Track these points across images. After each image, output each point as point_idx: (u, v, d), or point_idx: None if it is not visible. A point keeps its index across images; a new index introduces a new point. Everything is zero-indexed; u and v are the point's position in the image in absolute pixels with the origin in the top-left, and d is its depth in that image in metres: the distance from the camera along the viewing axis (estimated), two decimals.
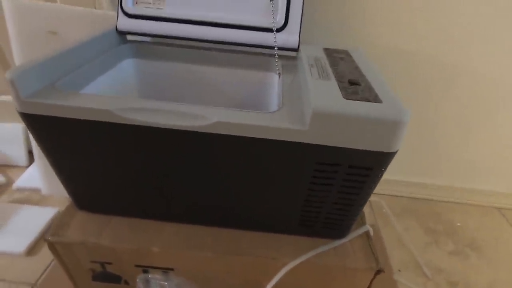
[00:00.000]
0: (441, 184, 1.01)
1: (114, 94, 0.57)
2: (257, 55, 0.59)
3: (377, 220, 0.96)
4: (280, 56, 0.57)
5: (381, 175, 0.41)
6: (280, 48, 0.56)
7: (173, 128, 0.37)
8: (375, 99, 0.37)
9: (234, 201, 0.47)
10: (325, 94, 0.37)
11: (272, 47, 0.56)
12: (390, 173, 1.02)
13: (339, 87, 0.39)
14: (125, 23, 0.57)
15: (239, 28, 0.57)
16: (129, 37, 0.62)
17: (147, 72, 0.62)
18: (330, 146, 0.37)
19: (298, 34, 0.56)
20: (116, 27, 0.57)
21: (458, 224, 0.98)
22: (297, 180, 0.41)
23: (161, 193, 0.47)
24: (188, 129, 0.37)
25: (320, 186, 0.42)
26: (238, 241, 0.49)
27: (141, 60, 0.61)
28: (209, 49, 0.60)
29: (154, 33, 0.58)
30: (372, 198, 1.06)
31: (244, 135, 0.37)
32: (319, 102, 0.35)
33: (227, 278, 0.51)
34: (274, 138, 0.37)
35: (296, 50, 0.56)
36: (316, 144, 0.37)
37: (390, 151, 0.37)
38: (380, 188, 1.07)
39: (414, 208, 1.02)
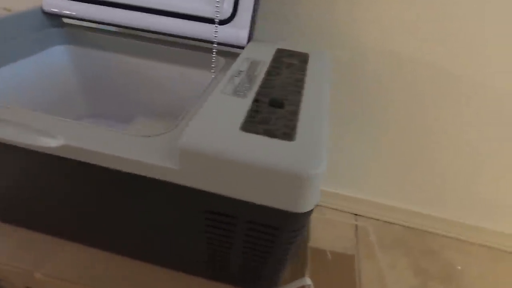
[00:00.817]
0: (442, 216, 0.86)
1: (39, 81, 0.50)
2: (203, 51, 0.49)
3: (359, 249, 0.83)
4: (226, 54, 0.46)
5: (299, 235, 0.30)
6: (222, 44, 0.45)
7: (16, 145, 0.28)
8: (287, 134, 0.26)
9: (132, 232, 0.38)
10: (217, 120, 0.27)
11: (219, 43, 0.45)
12: (382, 196, 0.89)
13: (249, 110, 0.28)
14: (51, 3, 0.49)
15: (181, 17, 0.46)
16: (66, 20, 0.54)
17: (82, 61, 0.54)
18: (215, 193, 0.26)
19: (249, 28, 0.44)
20: (42, 6, 0.49)
21: (458, 267, 0.82)
22: (188, 225, 0.32)
23: (54, 210, 0.39)
24: (32, 148, 0.28)
25: (219, 237, 0.31)
26: (138, 278, 0.41)
27: (76, 48, 0.53)
28: (151, 40, 0.51)
29: (85, 17, 0.49)
30: (359, 222, 0.95)
31: (100, 164, 0.27)
32: (194, 134, 0.25)
33: None
34: (141, 174, 0.27)
35: (242, 47, 0.45)
36: (196, 189, 0.26)
37: (297, 211, 0.25)
38: (369, 211, 0.94)
39: (406, 240, 0.88)
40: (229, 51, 0.46)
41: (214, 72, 0.42)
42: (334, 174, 0.86)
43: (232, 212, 0.27)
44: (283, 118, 0.28)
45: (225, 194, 0.26)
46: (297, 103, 0.30)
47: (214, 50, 0.43)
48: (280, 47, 0.44)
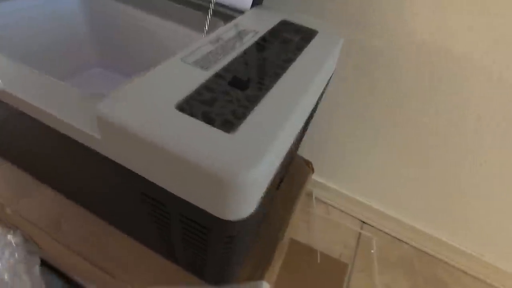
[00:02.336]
0: (461, 246, 0.75)
1: (46, 21, 0.49)
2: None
3: (356, 259, 0.77)
4: (226, 17, 0.40)
5: (236, 240, 0.26)
6: (222, 5, 0.39)
7: None
8: (228, 122, 0.21)
9: (91, 191, 0.37)
10: (154, 91, 0.22)
11: (221, 4, 0.40)
12: (396, 209, 0.79)
13: (200, 86, 0.23)
14: None
15: None
16: None
17: (95, 8, 0.52)
18: (139, 175, 0.23)
19: None
20: None
21: None
22: (130, 199, 0.29)
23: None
24: None
25: (158, 220, 0.28)
26: (101, 238, 0.40)
27: None
28: None
29: None
30: (364, 231, 0.87)
31: (34, 116, 0.25)
32: (115, 102, 0.21)
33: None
34: (75, 139, 0.24)
35: (242, 12, 0.39)
36: (121, 166, 0.23)
37: (224, 218, 0.21)
38: (378, 221, 0.85)
39: (413, 262, 0.79)
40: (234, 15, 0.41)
41: (205, 35, 0.38)
42: (348, 173, 0.78)
43: (162, 200, 0.24)
44: (236, 102, 0.23)
45: (149, 178, 0.22)
46: (267, 88, 0.25)
47: (210, 10, 0.37)
48: (287, 18, 0.37)
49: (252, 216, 0.23)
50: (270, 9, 0.39)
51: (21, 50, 0.47)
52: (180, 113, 0.21)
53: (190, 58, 0.26)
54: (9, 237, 0.45)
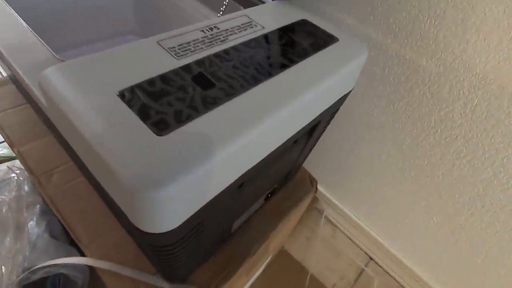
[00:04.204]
0: None
1: None
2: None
3: None
4: (249, 4, 0.37)
5: (175, 249, 0.23)
6: None
7: None
8: (163, 123, 0.18)
9: None
10: (105, 71, 0.20)
11: None
12: (408, 256, 0.70)
13: (158, 75, 0.21)
14: None
15: None
16: None
17: None
18: (76, 153, 0.21)
19: None
20: None
21: None
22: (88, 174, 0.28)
23: None
24: None
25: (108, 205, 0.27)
26: (83, 202, 0.41)
27: None
28: None
29: None
30: (368, 268, 0.78)
31: None
32: (59, 73, 0.19)
33: None
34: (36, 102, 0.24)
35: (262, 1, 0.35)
36: (62, 136, 0.22)
37: (140, 228, 0.19)
38: (387, 263, 0.76)
39: None
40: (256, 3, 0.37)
41: (221, 12, 0.35)
42: (366, 202, 0.71)
43: (95, 184, 0.23)
44: (188, 102, 0.20)
45: (81, 158, 0.21)
46: (237, 92, 0.21)
47: None
48: (309, 18, 0.32)
49: (179, 231, 0.20)
50: (297, 4, 0.35)
51: (65, 6, 0.50)
52: (118, 100, 0.19)
53: (168, 42, 0.24)
54: (14, 174, 0.49)
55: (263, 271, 0.66)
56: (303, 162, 0.46)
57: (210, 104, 0.20)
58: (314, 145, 0.42)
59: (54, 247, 0.56)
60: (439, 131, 0.49)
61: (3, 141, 0.72)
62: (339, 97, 0.32)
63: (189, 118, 0.19)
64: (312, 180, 0.50)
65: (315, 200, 0.81)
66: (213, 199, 0.22)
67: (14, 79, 0.38)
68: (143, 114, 0.18)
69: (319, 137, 0.40)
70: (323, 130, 0.39)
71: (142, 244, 0.24)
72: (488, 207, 0.50)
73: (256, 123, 0.20)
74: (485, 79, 0.41)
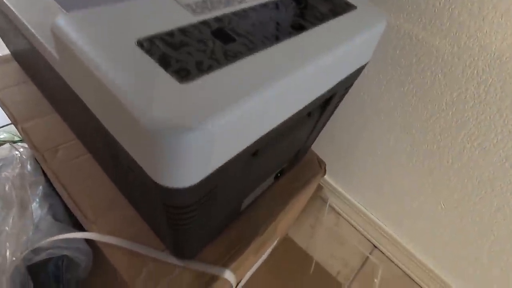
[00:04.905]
0: None
1: None
2: None
3: (354, 283, 0.69)
4: None
5: (190, 212, 0.22)
6: None
7: None
8: (185, 71, 0.17)
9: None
10: (124, 20, 0.19)
11: None
12: (414, 243, 0.69)
13: (177, 28, 0.20)
14: None
15: None
16: None
17: None
18: (90, 110, 0.20)
19: None
20: None
21: None
22: (98, 139, 0.27)
23: None
24: None
25: (118, 168, 0.27)
26: (90, 179, 0.40)
27: None
28: None
29: None
30: (373, 256, 0.77)
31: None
32: (77, 21, 0.18)
33: None
34: (45, 57, 0.23)
35: None
36: (74, 93, 0.21)
37: (160, 183, 0.18)
38: (393, 252, 0.75)
39: None
40: None
41: None
42: (371, 190, 0.70)
43: (110, 143, 0.22)
44: (209, 54, 0.19)
45: (95, 113, 0.20)
46: (257, 48, 0.21)
47: None
48: None
49: (195, 190, 0.19)
50: None
51: None
52: (137, 48, 0.18)
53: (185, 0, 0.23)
54: (18, 152, 0.48)
55: (268, 257, 0.65)
56: (312, 143, 0.45)
57: (231, 57, 0.19)
58: (325, 123, 0.41)
59: (58, 229, 0.55)
60: (450, 113, 0.49)
61: (3, 126, 0.71)
62: (355, 68, 0.31)
63: (211, 68, 0.18)
64: (321, 161, 0.50)
65: (319, 188, 0.81)
66: (229, 161, 0.21)
67: (19, 48, 0.37)
68: (164, 62, 0.18)
69: (331, 115, 0.40)
70: (336, 106, 0.38)
71: (155, 208, 0.24)
72: (498, 191, 0.49)
73: (278, 79, 0.20)
74: (501, 57, 0.40)
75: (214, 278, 0.34)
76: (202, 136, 0.16)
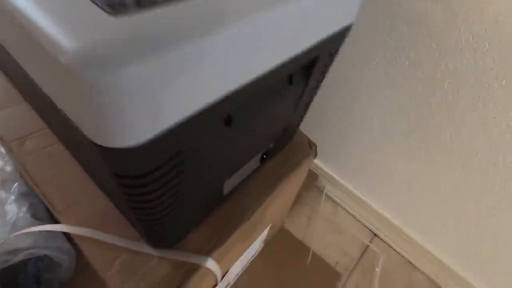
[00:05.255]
0: None
1: None
2: None
3: (353, 273, 0.66)
4: None
5: (146, 186, 0.19)
6: None
7: None
8: (121, 4, 0.14)
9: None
10: None
11: None
12: (416, 229, 0.66)
13: None
14: None
15: None
16: None
17: None
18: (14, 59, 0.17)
19: None
20: None
21: None
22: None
23: None
24: None
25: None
26: (58, 169, 0.37)
27: None
28: None
29: None
30: (373, 244, 0.74)
31: None
32: None
33: None
34: None
35: None
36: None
37: (100, 144, 0.15)
38: (393, 238, 0.72)
39: None
40: None
41: None
42: (368, 176, 0.67)
43: (41, 99, 0.19)
44: None
45: (19, 62, 0.17)
46: None
47: None
48: None
49: (147, 152, 0.16)
50: None
51: None
52: None
53: None
54: None
55: (264, 249, 0.62)
56: (300, 121, 0.42)
57: None
58: (312, 97, 0.38)
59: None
60: (446, 85, 0.46)
61: None
62: (337, 28, 0.28)
63: (155, 3, 0.15)
64: (311, 143, 0.47)
65: (314, 177, 0.78)
66: (190, 121, 0.18)
67: None
68: None
69: (317, 87, 0.37)
70: (322, 77, 0.35)
71: (114, 186, 0.21)
72: (500, 165, 0.46)
73: (237, 19, 0.17)
74: (498, 17, 0.37)
75: (195, 267, 0.31)
76: (138, 76, 0.13)
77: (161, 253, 0.32)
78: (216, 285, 0.37)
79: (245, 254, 0.45)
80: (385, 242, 0.72)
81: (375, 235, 0.73)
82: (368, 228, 0.74)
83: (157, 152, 0.17)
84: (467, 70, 0.43)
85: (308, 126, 0.47)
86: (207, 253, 0.33)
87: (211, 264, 0.32)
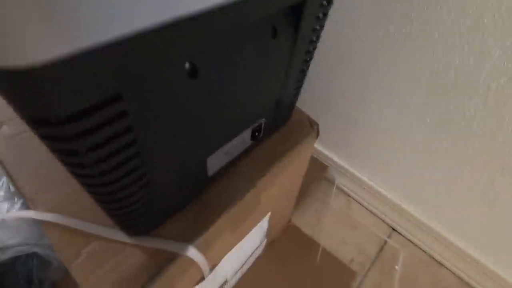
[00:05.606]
0: None
1: None
2: None
3: (371, 272, 0.60)
4: None
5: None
6: None
7: None
8: None
9: None
10: None
11: None
12: (438, 221, 0.59)
13: None
14: None
15: None
16: None
17: None
18: None
19: None
20: None
21: None
22: None
23: None
24: None
25: None
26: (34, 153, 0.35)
27: None
28: None
29: None
30: (392, 240, 0.67)
31: None
32: None
33: None
34: None
35: None
36: None
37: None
38: (414, 233, 0.64)
39: None
40: None
41: None
42: (384, 164, 0.61)
43: None
44: None
45: None
46: None
47: None
48: None
49: (56, 75, 0.13)
50: None
51: None
52: None
53: None
54: None
55: (269, 246, 0.57)
56: (297, 94, 0.38)
57: None
58: (306, 63, 0.34)
59: (27, 225, 0.49)
60: (465, 48, 0.40)
61: None
62: None
63: None
64: (312, 122, 0.42)
65: (323, 168, 0.72)
66: (123, 47, 0.14)
67: None
68: None
69: (310, 49, 0.32)
70: (313, 35, 0.30)
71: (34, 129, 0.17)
72: None
73: None
74: None
75: (173, 256, 0.27)
76: None
77: (136, 241, 0.28)
78: (202, 278, 0.32)
79: (240, 246, 0.40)
80: (405, 237, 0.65)
81: (394, 229, 0.66)
82: (385, 222, 0.67)
83: (76, 83, 0.13)
84: (490, 28, 0.37)
85: (314, 110, 0.42)
86: (189, 240, 0.28)
87: (192, 252, 0.28)
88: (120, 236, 0.28)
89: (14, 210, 0.49)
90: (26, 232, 0.50)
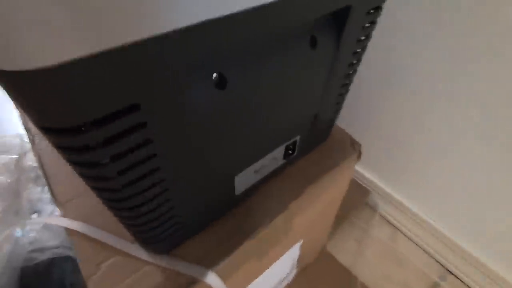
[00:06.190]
0: None
1: None
2: None
3: None
4: None
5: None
6: None
7: None
8: None
9: None
10: None
11: None
12: (503, 263, 0.49)
13: None
14: None
15: None
16: None
17: None
18: None
19: None
20: None
21: None
22: None
23: None
24: None
25: None
26: None
27: None
28: None
29: None
30: (445, 283, 0.57)
31: None
32: None
33: None
34: None
35: None
36: None
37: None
38: (469, 275, 0.55)
39: None
40: None
41: None
42: (437, 192, 0.54)
43: None
44: None
45: None
46: None
47: None
48: None
49: (65, 79, 0.12)
50: None
51: None
52: None
53: None
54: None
55: (300, 274, 0.53)
56: (337, 110, 0.35)
57: None
58: (349, 78, 0.31)
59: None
60: None
61: None
62: None
63: None
64: (354, 142, 0.38)
65: (365, 193, 0.66)
66: (136, 53, 0.13)
67: None
68: None
69: (354, 62, 0.29)
70: (358, 46, 0.27)
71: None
72: None
73: None
74: None
75: (193, 280, 0.25)
76: None
77: (155, 260, 0.26)
78: None
79: (267, 274, 0.37)
80: (461, 280, 0.55)
81: (448, 270, 0.57)
82: (437, 261, 0.58)
83: (85, 90, 0.12)
84: None
85: (356, 129, 0.39)
86: (210, 264, 0.26)
87: (212, 279, 0.26)
88: (140, 253, 0.27)
89: (56, 213, 0.51)
90: (63, 235, 0.52)
